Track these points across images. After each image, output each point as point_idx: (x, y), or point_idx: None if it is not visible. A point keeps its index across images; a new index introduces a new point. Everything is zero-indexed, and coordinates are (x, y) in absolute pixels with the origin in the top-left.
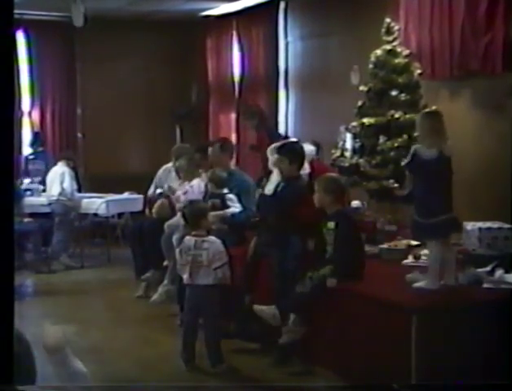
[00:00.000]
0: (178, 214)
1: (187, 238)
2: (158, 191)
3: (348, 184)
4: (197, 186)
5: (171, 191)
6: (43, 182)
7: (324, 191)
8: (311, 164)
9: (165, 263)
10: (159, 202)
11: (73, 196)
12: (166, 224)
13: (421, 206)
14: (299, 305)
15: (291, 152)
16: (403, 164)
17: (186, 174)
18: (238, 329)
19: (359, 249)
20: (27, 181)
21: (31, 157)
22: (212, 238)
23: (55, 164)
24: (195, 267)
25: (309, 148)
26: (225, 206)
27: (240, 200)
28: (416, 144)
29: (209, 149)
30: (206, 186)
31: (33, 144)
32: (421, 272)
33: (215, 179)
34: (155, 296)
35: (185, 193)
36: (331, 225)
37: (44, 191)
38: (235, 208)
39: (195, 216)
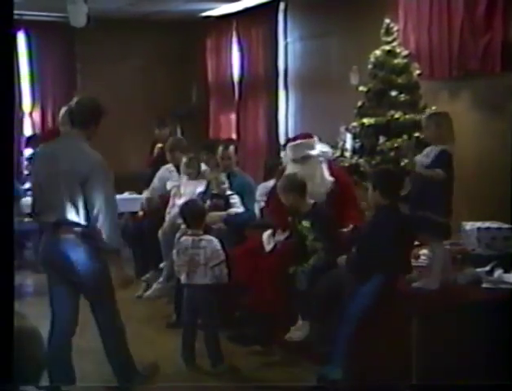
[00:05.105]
0: (175, 210)
1: (184, 238)
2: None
3: None
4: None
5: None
6: None
7: (284, 190)
8: (330, 168)
9: (161, 265)
10: (148, 194)
11: None
12: (166, 223)
13: (444, 205)
14: (304, 302)
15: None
16: (425, 162)
17: (188, 171)
18: (236, 334)
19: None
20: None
21: (30, 157)
22: (209, 236)
23: None
24: (192, 267)
25: (325, 149)
26: (229, 207)
27: (242, 201)
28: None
29: (220, 148)
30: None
31: (27, 145)
32: (420, 272)
33: (220, 180)
34: (149, 292)
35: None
36: (306, 223)
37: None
38: (238, 209)
39: (195, 215)
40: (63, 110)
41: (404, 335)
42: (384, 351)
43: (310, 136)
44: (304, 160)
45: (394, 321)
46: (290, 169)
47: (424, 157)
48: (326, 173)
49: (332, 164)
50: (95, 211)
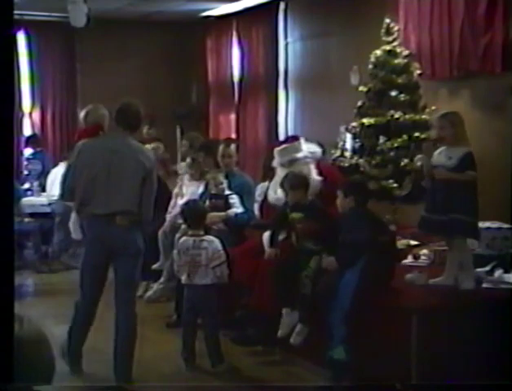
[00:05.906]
0: (176, 210)
1: (184, 238)
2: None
3: None
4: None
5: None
6: (39, 182)
7: (292, 188)
8: (319, 167)
9: (155, 266)
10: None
11: None
12: (167, 223)
13: (474, 206)
14: (308, 305)
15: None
16: (449, 164)
17: (190, 172)
18: (236, 334)
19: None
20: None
21: (29, 157)
22: (210, 237)
23: (55, 164)
24: (193, 267)
25: (313, 149)
26: (228, 207)
27: (241, 201)
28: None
29: (221, 147)
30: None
31: (26, 145)
32: (420, 272)
33: (218, 180)
34: (149, 293)
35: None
36: (297, 215)
37: (44, 190)
38: (237, 209)
39: (196, 216)
40: (101, 110)
41: (404, 334)
42: (384, 351)
43: (295, 138)
44: (291, 163)
45: (393, 320)
46: (279, 173)
47: (444, 158)
48: (314, 174)
49: (320, 164)
50: (146, 198)
